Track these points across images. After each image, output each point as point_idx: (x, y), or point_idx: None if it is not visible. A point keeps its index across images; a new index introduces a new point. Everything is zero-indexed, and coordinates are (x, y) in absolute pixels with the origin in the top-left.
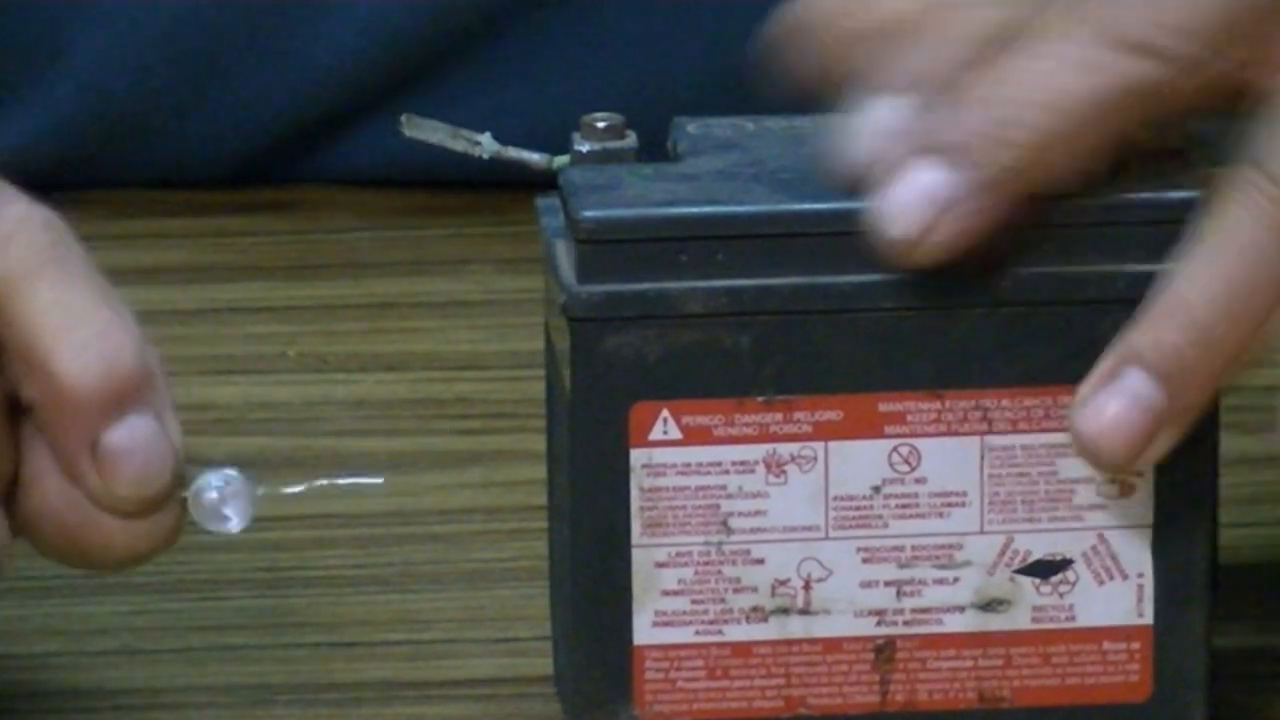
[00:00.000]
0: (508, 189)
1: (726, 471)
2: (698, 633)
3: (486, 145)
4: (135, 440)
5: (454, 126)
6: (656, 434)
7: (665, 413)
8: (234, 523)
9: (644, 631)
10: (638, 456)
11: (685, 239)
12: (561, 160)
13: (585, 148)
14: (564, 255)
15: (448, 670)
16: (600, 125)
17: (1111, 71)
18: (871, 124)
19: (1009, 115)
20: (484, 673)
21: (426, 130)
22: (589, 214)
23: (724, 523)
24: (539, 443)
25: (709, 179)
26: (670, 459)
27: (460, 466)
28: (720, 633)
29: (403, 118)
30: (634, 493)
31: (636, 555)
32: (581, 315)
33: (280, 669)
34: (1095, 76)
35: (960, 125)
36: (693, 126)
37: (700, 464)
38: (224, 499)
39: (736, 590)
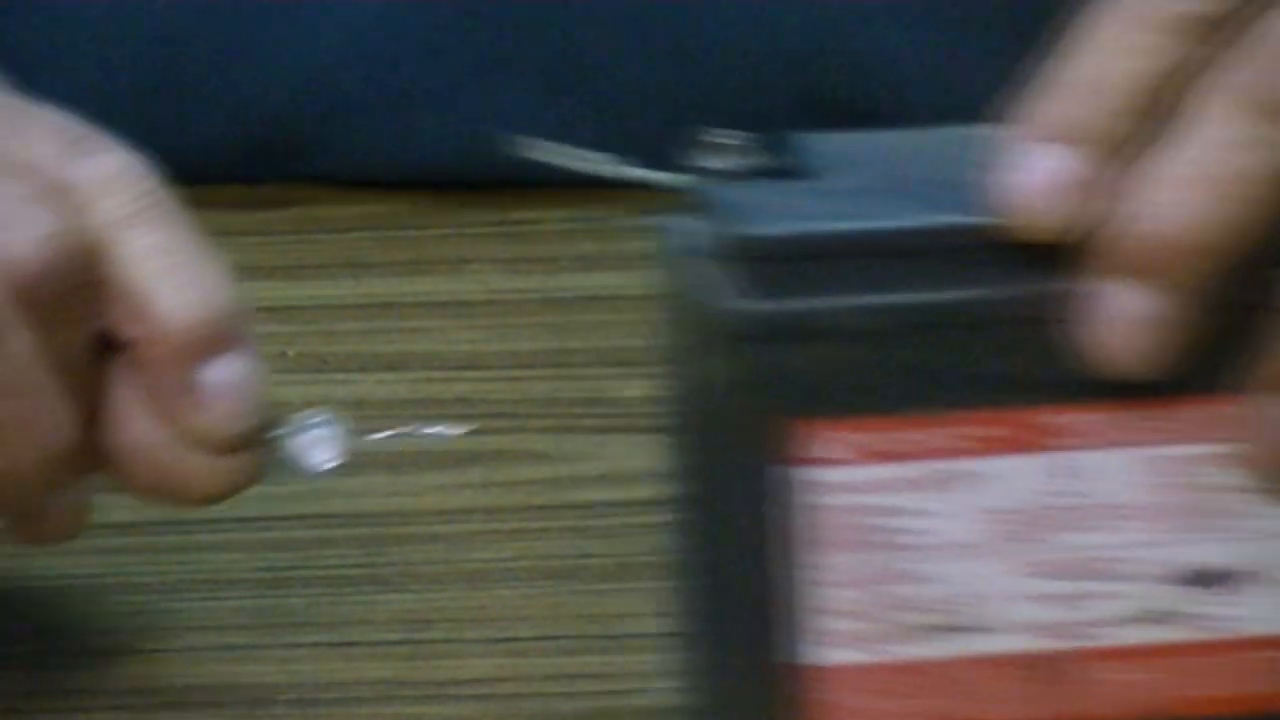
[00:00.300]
0: (508, 189)
1: (889, 489)
2: (862, 653)
3: (608, 166)
4: (230, 378)
5: (575, 148)
6: (819, 452)
7: (828, 430)
8: (322, 462)
9: (808, 653)
10: (800, 475)
11: (849, 255)
12: (681, 179)
13: (711, 165)
14: (714, 274)
15: (447, 670)
16: (725, 142)
17: (1277, 147)
18: (1029, 173)
19: (1185, 220)
20: (484, 673)
21: (547, 152)
22: (753, 232)
23: (887, 540)
24: (539, 443)
25: (859, 195)
26: (833, 477)
27: (460, 466)
28: (885, 652)
29: (521, 140)
30: (799, 514)
31: (799, 576)
32: (745, 334)
33: (280, 669)
34: (1262, 155)
35: (1141, 241)
36: (814, 141)
37: (863, 481)
38: (315, 439)
39: (900, 608)
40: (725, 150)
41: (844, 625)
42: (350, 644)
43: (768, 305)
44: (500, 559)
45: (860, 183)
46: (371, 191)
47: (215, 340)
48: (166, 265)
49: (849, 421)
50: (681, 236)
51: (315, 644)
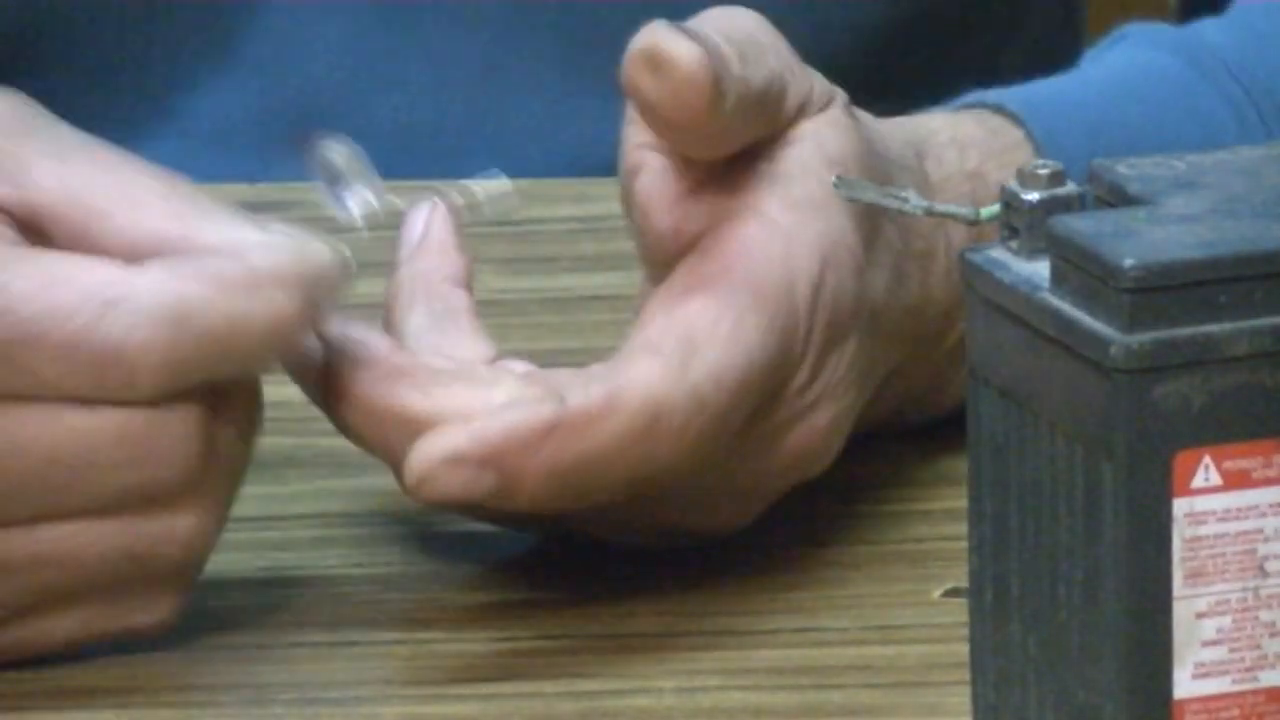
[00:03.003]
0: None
1: (1264, 514)
2: (1234, 681)
3: (915, 201)
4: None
5: (884, 186)
6: (1198, 482)
7: (1207, 459)
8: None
9: (1184, 685)
10: (1180, 506)
11: (1227, 280)
12: (990, 210)
13: (1031, 196)
14: (1080, 307)
15: (447, 670)
16: (1043, 173)
17: None
18: None
19: None
20: (484, 673)
21: (857, 189)
22: (1133, 262)
23: (1260, 567)
24: None
25: (1215, 218)
26: (1211, 506)
27: None
28: (1256, 679)
29: (834, 177)
30: (1176, 544)
31: (1178, 608)
32: (1130, 367)
33: (280, 669)
34: None
35: None
36: (1123, 168)
37: (1238, 509)
38: (347, 172)
39: (1272, 635)
40: (1045, 180)
41: (1217, 655)
42: (350, 644)
43: (1150, 336)
44: (500, 558)
45: (1204, 207)
46: None
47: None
48: (219, 348)
49: (1224, 448)
50: (1007, 268)
51: (315, 644)
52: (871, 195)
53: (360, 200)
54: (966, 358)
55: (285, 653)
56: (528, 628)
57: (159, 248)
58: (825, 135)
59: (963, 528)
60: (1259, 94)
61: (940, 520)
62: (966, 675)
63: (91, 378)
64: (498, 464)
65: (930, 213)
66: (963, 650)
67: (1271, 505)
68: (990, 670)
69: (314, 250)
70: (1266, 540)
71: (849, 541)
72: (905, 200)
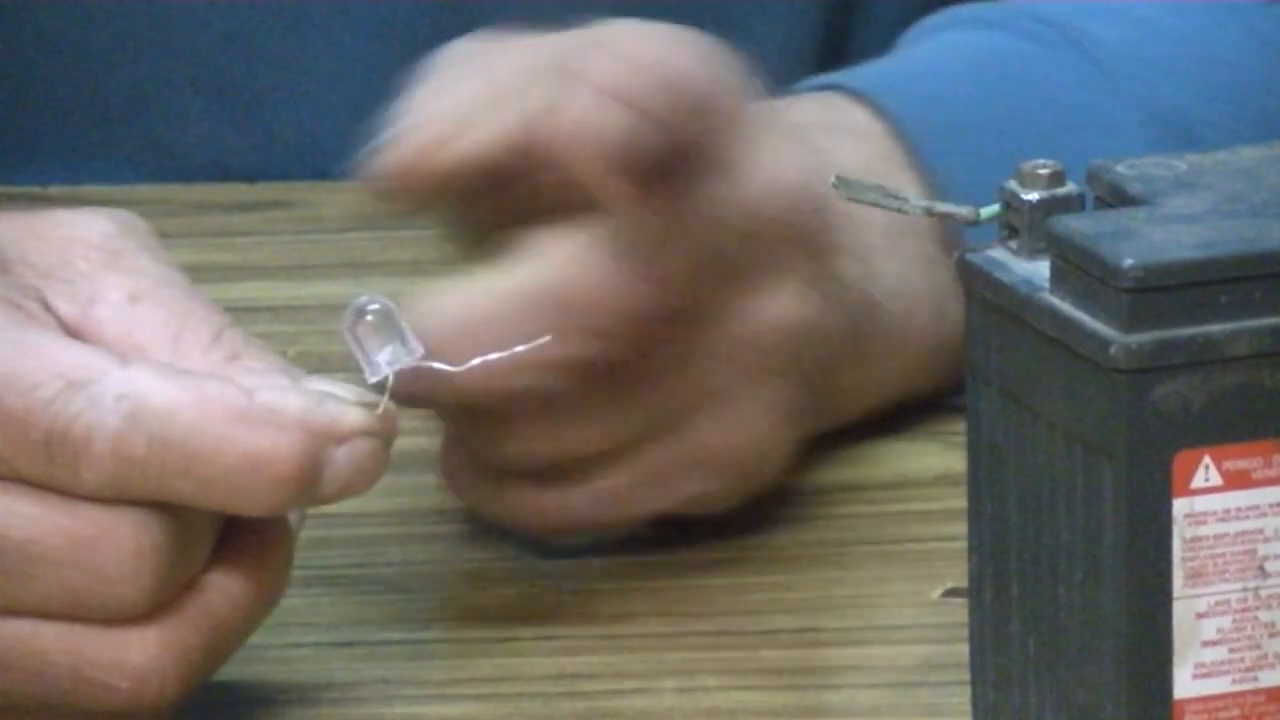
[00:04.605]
0: None
1: (1264, 514)
2: (1234, 681)
3: (914, 202)
4: (346, 481)
5: (884, 186)
6: (1198, 482)
7: (1207, 459)
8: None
9: (1184, 685)
10: (1180, 506)
11: (1227, 280)
12: (990, 210)
13: (1031, 196)
14: (1080, 307)
15: (447, 670)
16: (1043, 173)
17: None
18: None
19: None
20: (484, 672)
21: (858, 190)
22: (1133, 262)
23: (1260, 567)
24: None
25: (1215, 219)
26: (1211, 506)
27: None
28: (1255, 679)
29: (833, 178)
30: (1176, 544)
31: (1178, 608)
32: (1130, 367)
33: (280, 669)
34: None
35: None
36: (1123, 168)
37: (1238, 509)
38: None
39: (1272, 635)
40: (1046, 180)
41: (1217, 655)
42: (350, 644)
43: (1150, 336)
44: (500, 559)
45: (1204, 207)
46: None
47: (312, 476)
48: (177, 460)
49: (1224, 448)
50: (1007, 268)
51: (315, 644)
52: (871, 196)
53: (388, 362)
54: (966, 358)
55: (285, 653)
56: (528, 628)
57: None
58: None
59: (963, 528)
60: (1089, 44)
61: (940, 520)
62: (966, 675)
63: (41, 456)
64: None
65: (930, 213)
66: (963, 650)
67: (1271, 505)
68: (990, 670)
69: (334, 406)
70: (1266, 540)
71: (849, 541)
72: (904, 200)
